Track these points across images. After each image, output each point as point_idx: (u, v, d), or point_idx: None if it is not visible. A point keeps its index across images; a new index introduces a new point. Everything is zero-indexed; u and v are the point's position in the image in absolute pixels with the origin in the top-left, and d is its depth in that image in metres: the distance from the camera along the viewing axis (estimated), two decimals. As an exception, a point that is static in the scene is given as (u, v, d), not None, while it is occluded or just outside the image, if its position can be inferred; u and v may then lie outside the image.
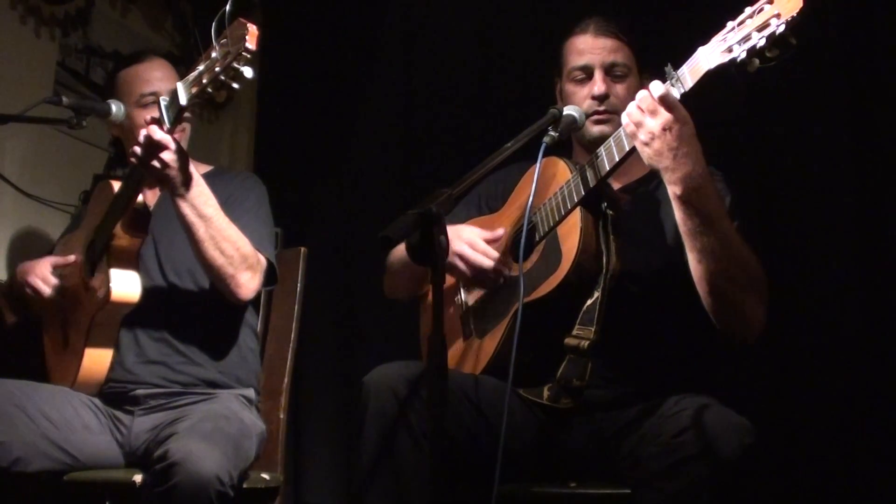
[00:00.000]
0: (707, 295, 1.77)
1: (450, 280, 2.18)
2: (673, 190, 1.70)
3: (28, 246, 2.88)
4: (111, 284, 2.20)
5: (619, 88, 2.05)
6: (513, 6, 3.17)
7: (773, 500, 2.44)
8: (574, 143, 2.14)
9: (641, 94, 1.70)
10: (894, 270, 2.45)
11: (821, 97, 2.58)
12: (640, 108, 1.70)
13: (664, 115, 1.67)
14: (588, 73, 2.06)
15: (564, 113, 1.92)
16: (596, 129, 2.02)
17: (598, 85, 2.03)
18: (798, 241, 2.60)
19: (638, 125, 1.70)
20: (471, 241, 1.97)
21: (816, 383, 2.50)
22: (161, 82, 2.35)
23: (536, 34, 3.00)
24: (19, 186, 2.83)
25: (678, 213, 1.73)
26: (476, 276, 1.98)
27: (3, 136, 2.69)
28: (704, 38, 1.64)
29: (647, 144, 1.70)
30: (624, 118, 1.73)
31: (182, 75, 2.45)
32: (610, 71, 2.05)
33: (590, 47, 2.07)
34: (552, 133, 1.87)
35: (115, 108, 2.35)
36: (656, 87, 1.68)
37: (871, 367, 2.44)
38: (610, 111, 2.03)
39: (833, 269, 2.54)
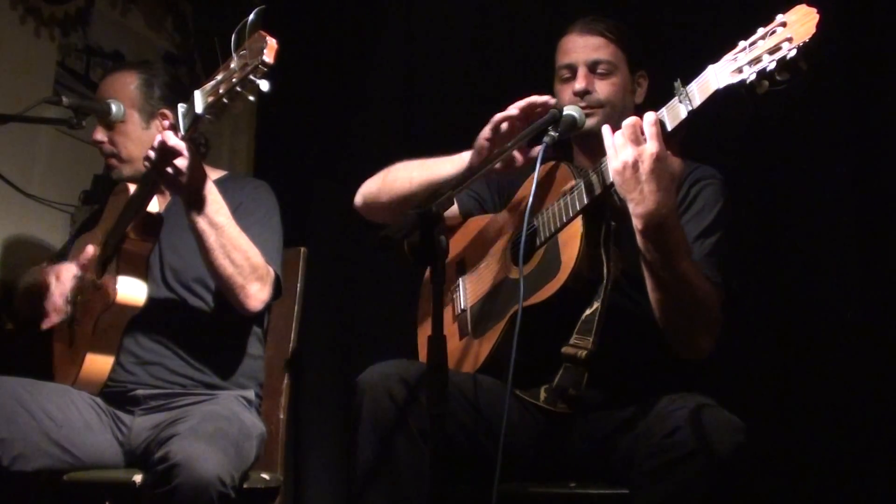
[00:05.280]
0: (659, 319, 1.81)
1: (449, 281, 2.18)
2: (635, 223, 1.71)
3: (27, 246, 2.88)
4: (117, 286, 2.20)
5: (603, 85, 2.06)
6: (513, 5, 3.17)
7: (768, 500, 2.44)
8: (573, 144, 2.14)
9: (629, 120, 1.70)
10: (894, 271, 2.45)
11: (821, 97, 2.58)
12: (623, 133, 1.70)
13: (640, 148, 1.67)
14: (573, 71, 2.08)
15: (565, 113, 1.92)
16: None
17: (578, 81, 2.05)
18: (797, 242, 2.60)
19: (616, 150, 1.70)
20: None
21: (812, 383, 2.50)
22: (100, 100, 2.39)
23: (537, 33, 3.00)
24: (19, 186, 2.83)
25: (639, 244, 1.74)
26: None
27: (3, 136, 2.69)
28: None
29: (618, 173, 1.70)
30: (607, 138, 1.73)
31: (173, 77, 2.48)
32: (593, 68, 2.07)
33: (574, 46, 2.09)
34: (552, 133, 1.87)
35: (115, 108, 2.35)
36: (647, 118, 1.68)
37: (868, 367, 2.44)
38: (593, 105, 2.04)
39: (832, 269, 2.54)
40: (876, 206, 2.50)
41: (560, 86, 2.10)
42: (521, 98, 1.99)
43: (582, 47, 2.08)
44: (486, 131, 1.98)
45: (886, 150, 2.50)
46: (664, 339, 1.84)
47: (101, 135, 2.39)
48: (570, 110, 1.94)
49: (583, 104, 2.02)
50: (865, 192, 2.52)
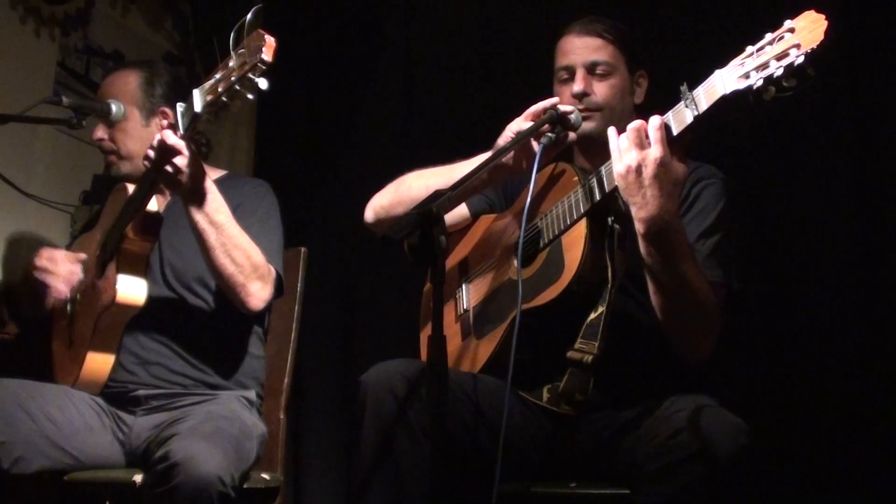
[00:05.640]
0: (660, 321, 1.81)
1: (452, 281, 2.18)
2: (637, 226, 1.71)
3: (27, 246, 2.88)
4: (117, 286, 2.20)
5: (601, 86, 2.05)
6: (513, 5, 3.17)
7: (770, 501, 2.44)
8: (573, 145, 2.14)
9: (635, 124, 1.70)
10: (894, 271, 2.45)
11: (822, 96, 2.58)
12: (628, 137, 1.69)
13: (644, 152, 1.67)
14: (571, 72, 2.07)
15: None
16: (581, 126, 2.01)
17: (576, 83, 2.05)
18: (797, 242, 2.60)
19: (621, 153, 1.70)
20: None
21: (814, 383, 2.50)
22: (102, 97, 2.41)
23: (538, 34, 3.00)
24: (19, 186, 2.84)
25: (641, 248, 1.74)
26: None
27: (3, 136, 2.69)
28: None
29: (622, 176, 1.70)
30: (612, 141, 1.73)
31: (174, 76, 2.48)
32: (592, 70, 2.06)
33: (572, 47, 2.09)
34: (550, 134, 1.87)
35: (115, 107, 2.35)
36: (653, 122, 1.68)
37: (868, 367, 2.44)
38: (592, 108, 2.03)
39: (832, 269, 2.54)
40: (877, 206, 2.50)
41: (558, 87, 2.10)
42: (520, 99, 1.99)
43: (580, 48, 2.07)
44: (504, 136, 1.98)
45: (887, 150, 2.50)
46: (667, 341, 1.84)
47: (101, 132, 2.39)
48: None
49: (581, 106, 2.01)
50: (866, 192, 2.52)
